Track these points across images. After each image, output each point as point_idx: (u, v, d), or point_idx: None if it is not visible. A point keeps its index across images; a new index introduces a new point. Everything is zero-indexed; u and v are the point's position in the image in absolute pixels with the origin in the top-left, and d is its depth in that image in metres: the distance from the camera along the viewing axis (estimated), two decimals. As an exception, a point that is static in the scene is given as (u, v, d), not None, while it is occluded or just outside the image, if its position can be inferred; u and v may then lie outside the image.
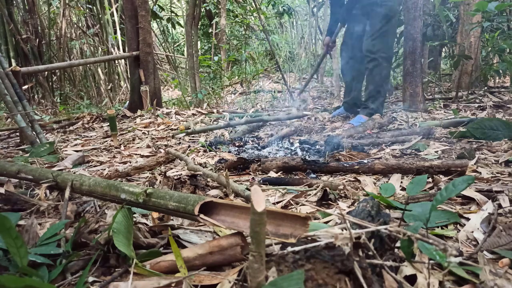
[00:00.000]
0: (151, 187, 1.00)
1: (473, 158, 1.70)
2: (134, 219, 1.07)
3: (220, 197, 1.39)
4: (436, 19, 5.30)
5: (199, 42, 9.21)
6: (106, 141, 2.90)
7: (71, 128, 3.72)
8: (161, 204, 0.92)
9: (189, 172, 1.68)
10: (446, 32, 5.69)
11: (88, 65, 6.95)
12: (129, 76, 5.50)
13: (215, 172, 1.64)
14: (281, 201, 1.29)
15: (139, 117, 4.05)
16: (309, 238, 0.74)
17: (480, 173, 1.50)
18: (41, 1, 7.36)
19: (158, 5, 7.48)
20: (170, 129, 3.37)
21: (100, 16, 7.13)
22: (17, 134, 3.21)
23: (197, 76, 6.27)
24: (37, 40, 6.17)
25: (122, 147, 2.60)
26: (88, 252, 0.90)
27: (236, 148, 2.41)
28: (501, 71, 4.84)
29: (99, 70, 7.24)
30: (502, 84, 6.47)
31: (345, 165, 1.64)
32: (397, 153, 2.02)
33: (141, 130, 3.32)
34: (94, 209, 1.24)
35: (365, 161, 1.65)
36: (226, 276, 0.77)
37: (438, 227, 1.02)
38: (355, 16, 3.30)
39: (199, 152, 2.28)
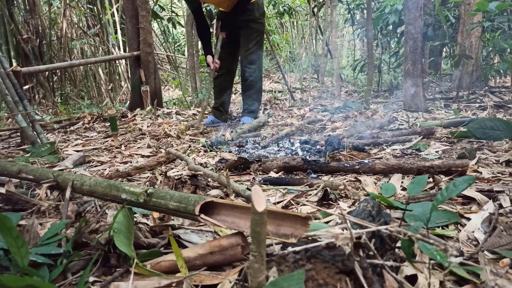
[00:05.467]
0: (151, 187, 1.01)
1: (473, 158, 1.70)
2: (135, 219, 1.08)
3: (221, 197, 1.39)
4: (437, 19, 5.30)
5: (199, 42, 9.20)
6: (107, 141, 2.90)
7: (71, 128, 3.73)
8: (162, 204, 0.92)
9: (190, 172, 1.68)
10: (447, 32, 5.69)
11: (89, 65, 6.95)
12: (129, 76, 5.50)
13: (216, 172, 1.64)
14: (282, 201, 1.29)
15: (137, 116, 4.05)
16: (310, 238, 0.74)
17: (481, 173, 1.50)
18: (42, 1, 7.36)
19: (159, 5, 7.48)
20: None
21: (101, 16, 7.14)
22: (18, 134, 3.21)
23: (197, 76, 6.28)
24: (38, 40, 6.18)
25: (123, 147, 2.60)
26: (89, 252, 0.91)
27: (237, 148, 2.41)
28: (501, 71, 4.84)
29: (100, 70, 7.25)
30: (503, 84, 6.46)
31: (346, 165, 1.64)
32: (398, 153, 2.02)
33: (142, 130, 3.32)
34: (94, 209, 1.24)
35: (366, 161, 1.64)
36: (227, 276, 0.77)
37: (438, 227, 1.02)
38: (230, 31, 3.46)
39: (199, 152, 2.29)
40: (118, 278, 0.79)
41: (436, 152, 1.96)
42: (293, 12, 9.53)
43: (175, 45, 9.81)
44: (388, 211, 1.12)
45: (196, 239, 0.98)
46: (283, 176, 1.68)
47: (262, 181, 1.58)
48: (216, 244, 0.83)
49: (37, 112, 4.82)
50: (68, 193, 1.16)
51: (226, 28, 3.44)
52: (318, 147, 2.26)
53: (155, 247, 0.93)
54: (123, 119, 3.99)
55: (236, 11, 3.34)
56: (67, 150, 2.53)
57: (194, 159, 2.04)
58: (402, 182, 1.45)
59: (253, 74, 3.50)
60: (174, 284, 0.74)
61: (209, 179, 1.57)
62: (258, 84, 3.61)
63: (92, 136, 3.22)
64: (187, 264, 0.80)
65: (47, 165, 2.01)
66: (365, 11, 7.39)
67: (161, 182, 1.54)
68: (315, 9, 8.62)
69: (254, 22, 3.42)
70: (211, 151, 2.30)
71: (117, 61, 7.15)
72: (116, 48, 6.87)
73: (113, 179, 1.56)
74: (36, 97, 6.24)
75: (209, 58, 3.45)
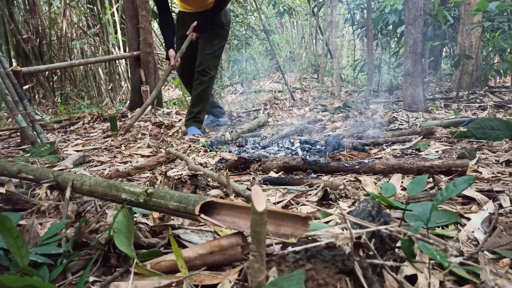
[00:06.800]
0: (151, 187, 1.01)
1: (473, 158, 1.70)
2: (135, 219, 1.08)
3: (221, 197, 1.39)
4: (437, 19, 5.30)
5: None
6: (107, 141, 2.90)
7: (71, 128, 3.73)
8: (162, 204, 0.92)
9: (190, 172, 1.68)
10: (447, 32, 5.69)
11: (89, 65, 6.95)
12: (129, 76, 5.50)
13: (216, 172, 1.64)
14: (282, 201, 1.29)
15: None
16: (310, 238, 0.74)
17: (481, 173, 1.50)
18: (42, 1, 7.36)
19: (159, 5, 7.47)
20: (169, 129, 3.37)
21: (101, 16, 7.14)
22: (18, 134, 3.21)
23: (197, 76, 6.25)
24: (38, 40, 6.18)
25: (123, 147, 2.60)
26: (89, 252, 0.91)
27: (237, 148, 2.41)
28: (501, 71, 4.84)
29: (100, 70, 7.25)
30: (502, 84, 6.47)
31: (346, 165, 1.64)
32: (398, 153, 2.02)
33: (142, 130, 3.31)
34: (94, 209, 1.24)
35: (366, 161, 1.65)
36: (227, 276, 0.77)
37: (438, 227, 1.02)
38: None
39: (199, 152, 2.29)
40: (118, 278, 0.79)
41: (436, 152, 1.96)
42: (293, 12, 9.53)
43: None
44: (388, 211, 1.12)
45: (196, 239, 0.98)
46: (283, 176, 1.68)
47: (262, 181, 1.58)
48: (216, 244, 0.83)
49: (37, 112, 4.82)
50: (68, 193, 1.16)
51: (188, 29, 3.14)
52: (318, 147, 2.26)
53: (155, 247, 0.93)
54: (123, 119, 3.99)
55: (206, 14, 3.09)
56: (67, 150, 2.53)
57: (194, 159, 2.04)
58: (402, 182, 1.45)
59: (209, 80, 3.21)
60: (174, 284, 0.73)
61: (209, 179, 1.57)
62: (210, 91, 3.32)
63: (92, 136, 3.22)
64: (187, 264, 0.80)
65: (47, 165, 2.01)
66: (365, 11, 7.39)
67: (161, 182, 1.54)
68: (315, 9, 8.62)
69: (220, 27, 3.19)
70: (211, 151, 2.30)
71: (117, 61, 7.15)
72: (116, 48, 6.87)
73: (113, 179, 1.56)
74: (36, 97, 6.24)
75: (172, 52, 3.11)
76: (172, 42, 3.23)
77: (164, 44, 3.28)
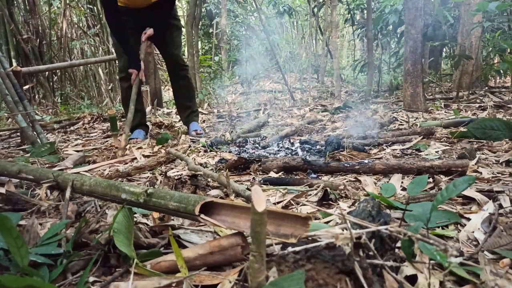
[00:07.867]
0: (151, 187, 1.01)
1: (473, 158, 1.70)
2: (135, 219, 1.08)
3: (221, 197, 1.39)
4: (437, 19, 5.30)
5: (199, 42, 9.22)
6: (107, 141, 2.90)
7: (71, 128, 3.73)
8: (162, 204, 0.92)
9: (190, 172, 1.68)
10: (447, 32, 5.69)
11: (89, 65, 6.95)
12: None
13: (216, 172, 1.64)
14: (282, 201, 1.29)
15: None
16: (310, 238, 0.74)
17: (481, 173, 1.50)
18: (42, 1, 7.37)
19: (159, 5, 7.48)
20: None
21: (101, 16, 7.14)
22: (18, 134, 3.21)
23: (197, 76, 6.28)
24: (38, 40, 6.18)
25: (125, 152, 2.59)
26: (89, 252, 0.91)
27: (237, 148, 2.41)
28: (501, 71, 4.85)
29: (100, 70, 7.25)
30: (502, 84, 6.47)
31: (346, 165, 1.64)
32: (398, 153, 2.02)
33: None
34: (94, 209, 1.24)
35: (366, 161, 1.64)
36: (227, 276, 0.77)
37: (438, 227, 1.02)
38: (139, 29, 2.85)
39: (199, 152, 2.28)
40: (118, 278, 0.79)
41: (436, 152, 1.96)
42: (293, 12, 9.53)
43: (175, 45, 9.80)
44: (388, 211, 1.12)
45: (196, 239, 0.98)
46: (283, 176, 1.68)
47: (262, 181, 1.58)
48: (216, 244, 0.83)
49: (37, 112, 4.82)
50: (68, 193, 1.16)
51: (140, 28, 2.84)
52: (318, 147, 2.26)
53: (155, 247, 0.93)
54: (123, 119, 3.99)
55: (157, 7, 2.81)
56: (67, 150, 2.53)
57: (194, 159, 2.04)
58: (402, 182, 1.45)
59: (188, 72, 3.16)
60: (174, 284, 0.73)
61: (209, 179, 1.57)
62: (192, 81, 3.26)
63: (92, 136, 3.22)
64: (187, 264, 0.80)
65: (47, 165, 2.01)
66: (365, 11, 7.39)
67: (161, 182, 1.54)
68: (315, 9, 8.62)
69: (174, 18, 3.02)
70: (211, 151, 2.30)
71: (117, 61, 7.15)
72: (116, 48, 6.86)
73: (113, 179, 1.56)
74: (36, 97, 6.24)
75: (134, 71, 2.79)
76: (132, 52, 2.86)
77: (124, 53, 2.86)
